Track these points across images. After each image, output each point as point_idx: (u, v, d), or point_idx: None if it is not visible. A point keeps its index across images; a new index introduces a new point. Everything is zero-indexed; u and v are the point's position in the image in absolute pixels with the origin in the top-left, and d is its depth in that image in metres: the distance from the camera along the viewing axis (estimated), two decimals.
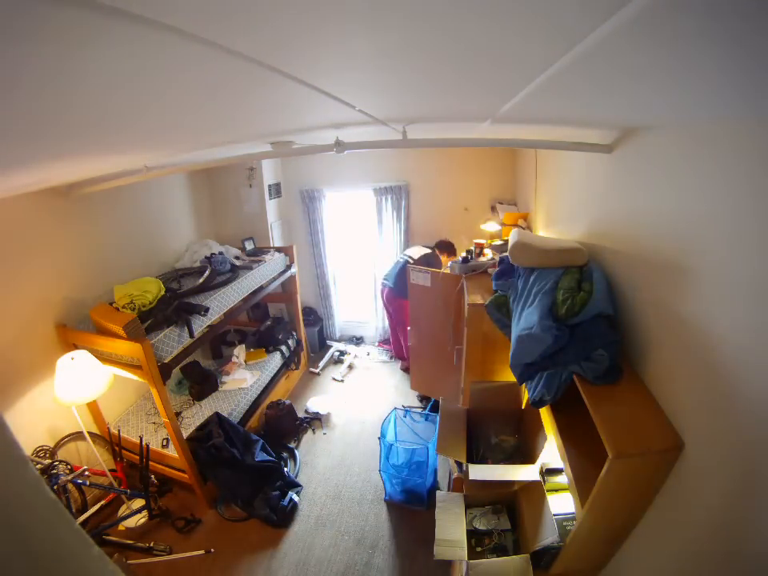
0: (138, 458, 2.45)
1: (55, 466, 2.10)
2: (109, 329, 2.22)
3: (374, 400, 3.87)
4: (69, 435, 2.47)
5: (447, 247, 3.73)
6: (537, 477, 1.80)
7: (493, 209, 3.86)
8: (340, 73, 0.71)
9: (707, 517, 1.02)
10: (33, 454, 2.24)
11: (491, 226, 3.47)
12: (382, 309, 4.65)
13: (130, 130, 0.98)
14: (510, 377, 1.84)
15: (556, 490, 1.81)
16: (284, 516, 2.58)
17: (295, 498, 2.69)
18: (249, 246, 3.75)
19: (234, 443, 2.62)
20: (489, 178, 3.88)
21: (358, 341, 4.95)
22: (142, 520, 2.56)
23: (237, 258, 3.48)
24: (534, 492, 1.77)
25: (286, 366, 3.87)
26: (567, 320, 1.45)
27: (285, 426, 3.38)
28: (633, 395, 1.29)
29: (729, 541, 0.94)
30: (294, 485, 2.78)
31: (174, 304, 2.48)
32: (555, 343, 1.43)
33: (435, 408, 2.90)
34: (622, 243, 1.55)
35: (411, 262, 3.52)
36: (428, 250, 3.67)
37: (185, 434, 2.59)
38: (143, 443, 2.43)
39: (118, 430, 2.56)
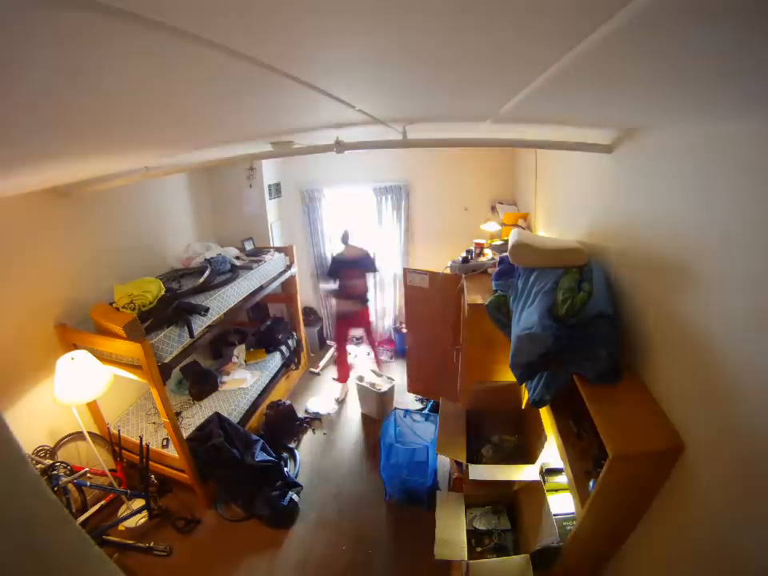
0: (138, 458, 2.45)
1: (56, 467, 2.10)
2: (109, 329, 2.22)
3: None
4: (69, 435, 2.47)
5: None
6: (537, 477, 1.80)
7: (493, 209, 3.86)
8: (340, 73, 0.71)
9: (707, 517, 1.02)
10: (33, 454, 2.24)
11: (491, 226, 3.47)
12: (381, 309, 4.66)
13: (130, 130, 0.98)
14: (510, 377, 1.84)
15: (556, 490, 1.81)
16: (284, 516, 2.58)
17: (295, 497, 2.69)
18: (248, 246, 3.74)
19: (233, 443, 2.62)
20: (489, 178, 3.88)
21: (357, 341, 4.95)
22: (142, 520, 2.56)
23: (237, 258, 3.48)
24: (534, 492, 1.77)
25: (285, 366, 3.87)
26: (567, 320, 1.45)
27: (285, 426, 3.38)
28: (633, 395, 1.29)
29: (729, 541, 0.94)
30: (294, 485, 2.78)
31: (174, 304, 2.48)
32: (555, 343, 1.43)
33: (435, 408, 2.91)
34: (621, 243, 1.55)
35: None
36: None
37: (185, 434, 2.59)
38: (143, 443, 2.43)
39: (118, 430, 2.56)
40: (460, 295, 2.72)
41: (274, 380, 3.64)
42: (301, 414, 3.60)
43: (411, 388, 3.66)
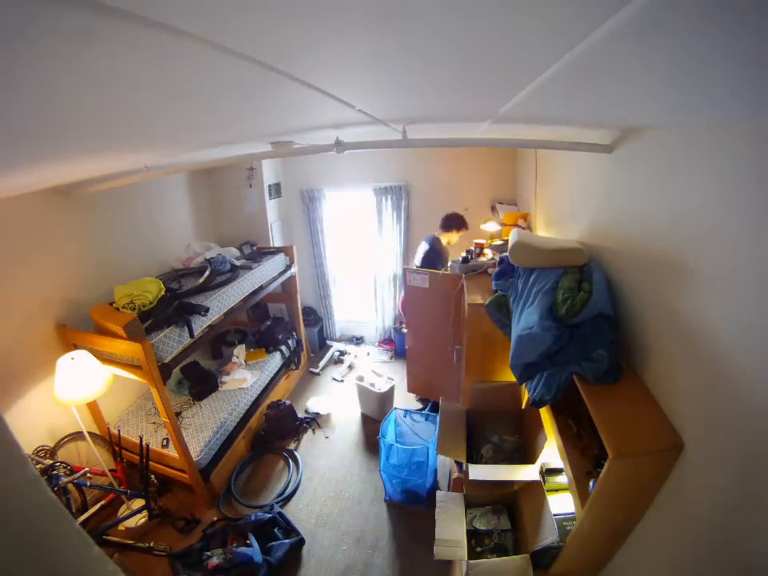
0: (138, 458, 2.45)
1: (56, 467, 2.10)
2: (109, 329, 2.22)
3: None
4: (69, 435, 2.47)
5: (453, 223, 3.34)
6: (537, 477, 1.80)
7: (493, 209, 3.86)
8: (340, 73, 0.71)
9: (707, 517, 1.01)
10: (33, 454, 2.25)
11: (491, 226, 3.47)
12: (381, 308, 4.66)
13: (131, 130, 0.98)
14: (510, 377, 1.84)
15: (556, 490, 1.81)
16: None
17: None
18: (247, 250, 3.71)
19: None
20: (489, 178, 3.88)
21: (358, 341, 4.96)
22: (142, 520, 2.56)
23: (237, 258, 3.49)
24: (534, 492, 1.77)
25: (286, 366, 3.87)
26: (567, 320, 1.45)
27: (285, 426, 3.37)
28: (633, 395, 1.29)
29: (729, 542, 0.94)
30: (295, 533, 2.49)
31: (174, 304, 2.48)
32: (555, 343, 1.43)
33: (435, 408, 2.90)
34: (622, 243, 1.55)
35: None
36: (427, 246, 3.35)
37: (185, 433, 2.59)
38: (143, 443, 2.43)
39: (118, 430, 2.56)
40: (460, 295, 2.72)
41: (273, 380, 3.64)
42: (301, 414, 3.60)
43: (411, 388, 3.66)
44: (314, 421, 3.56)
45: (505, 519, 1.86)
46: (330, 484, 2.93)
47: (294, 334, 4.15)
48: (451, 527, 1.75)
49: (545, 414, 1.81)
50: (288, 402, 3.50)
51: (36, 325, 2.32)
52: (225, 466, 2.87)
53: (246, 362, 3.66)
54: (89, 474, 2.26)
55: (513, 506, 1.90)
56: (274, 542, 2.34)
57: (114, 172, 2.12)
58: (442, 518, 1.79)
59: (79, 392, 2.15)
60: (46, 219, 2.36)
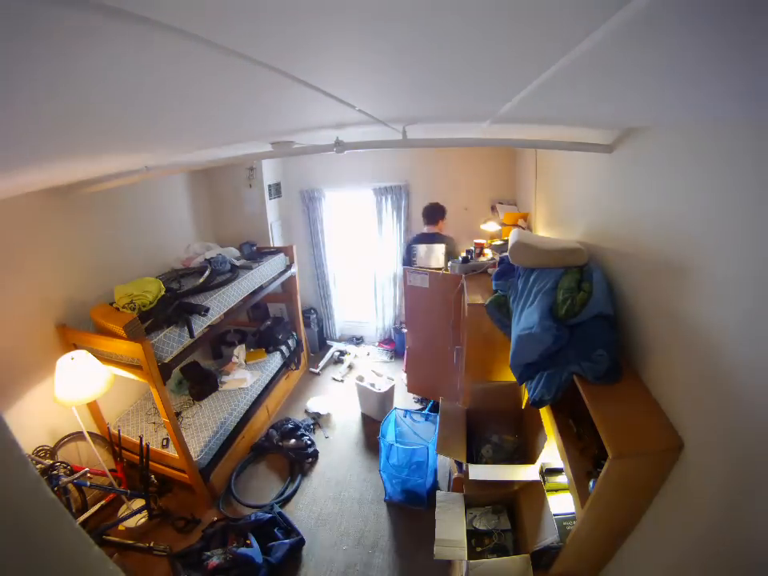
0: (138, 457, 2.45)
1: (56, 467, 2.10)
2: (109, 329, 2.22)
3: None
4: (69, 435, 2.47)
5: (438, 213, 3.31)
6: (537, 477, 1.80)
7: (493, 209, 3.86)
8: (340, 73, 0.71)
9: (707, 517, 1.02)
10: (33, 454, 2.25)
11: (491, 226, 3.47)
12: (381, 308, 4.66)
13: (130, 130, 0.98)
14: (510, 377, 1.84)
15: (556, 490, 1.81)
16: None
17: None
18: (246, 250, 3.69)
19: None
20: (489, 178, 3.88)
21: (358, 341, 4.96)
22: (142, 520, 2.56)
23: (237, 258, 3.48)
24: (534, 492, 1.77)
25: (286, 366, 3.87)
26: (567, 320, 1.45)
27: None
28: (633, 395, 1.29)
29: (729, 541, 0.94)
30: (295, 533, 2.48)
31: (174, 304, 2.48)
32: (555, 343, 1.43)
33: (435, 408, 2.90)
34: (622, 243, 1.55)
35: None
36: (443, 248, 3.12)
37: (185, 433, 2.59)
38: (143, 443, 2.43)
39: (118, 430, 2.56)
40: (460, 295, 2.72)
41: (274, 380, 3.64)
42: (301, 416, 3.60)
43: (411, 388, 3.66)
44: (316, 424, 3.54)
45: (505, 519, 1.86)
46: (330, 484, 2.93)
47: (294, 334, 4.15)
48: (451, 527, 1.75)
49: (545, 414, 1.81)
50: (289, 423, 3.38)
51: (36, 325, 2.32)
52: (225, 465, 2.87)
53: (246, 362, 3.66)
54: (89, 474, 2.26)
55: (513, 506, 1.90)
56: (274, 542, 2.34)
57: (113, 172, 2.12)
58: (441, 518, 1.79)
59: (79, 392, 2.15)
60: (45, 219, 2.36)
